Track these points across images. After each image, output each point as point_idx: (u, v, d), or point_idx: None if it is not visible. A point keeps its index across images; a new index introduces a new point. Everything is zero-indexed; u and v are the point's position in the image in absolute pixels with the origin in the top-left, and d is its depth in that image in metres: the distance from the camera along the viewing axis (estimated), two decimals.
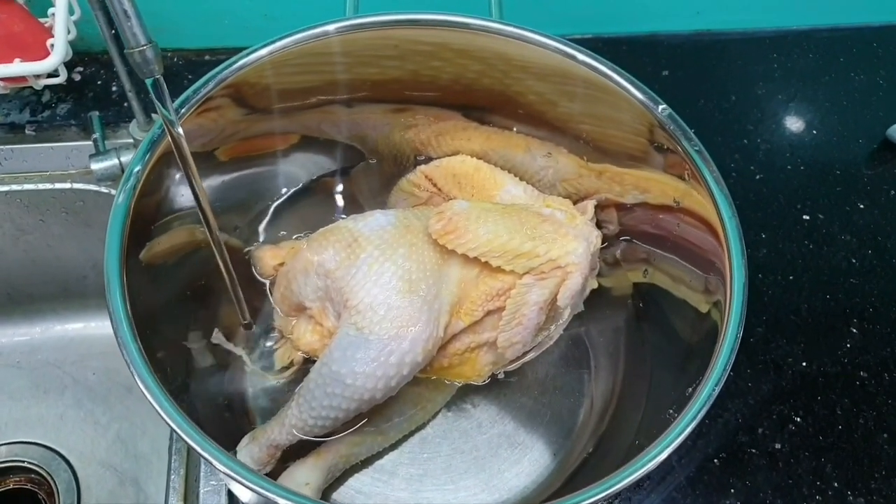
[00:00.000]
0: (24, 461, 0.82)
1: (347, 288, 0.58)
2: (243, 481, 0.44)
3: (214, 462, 0.45)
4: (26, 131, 0.80)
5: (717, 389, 0.48)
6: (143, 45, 0.45)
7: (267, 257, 0.67)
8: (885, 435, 0.68)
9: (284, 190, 0.76)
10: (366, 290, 0.58)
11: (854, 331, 0.74)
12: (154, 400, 0.47)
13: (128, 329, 0.49)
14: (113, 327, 0.49)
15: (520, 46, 0.63)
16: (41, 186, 0.77)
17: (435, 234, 0.60)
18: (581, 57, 0.61)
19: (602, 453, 0.64)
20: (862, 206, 0.82)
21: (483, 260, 0.59)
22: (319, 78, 0.67)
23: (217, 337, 0.65)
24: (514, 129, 0.71)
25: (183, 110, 0.57)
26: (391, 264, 0.59)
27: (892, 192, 0.83)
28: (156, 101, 0.49)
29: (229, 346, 0.65)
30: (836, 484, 0.65)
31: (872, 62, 0.94)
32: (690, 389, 0.50)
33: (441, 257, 0.60)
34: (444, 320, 0.59)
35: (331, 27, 0.61)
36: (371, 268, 0.58)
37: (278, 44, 0.60)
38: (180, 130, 0.51)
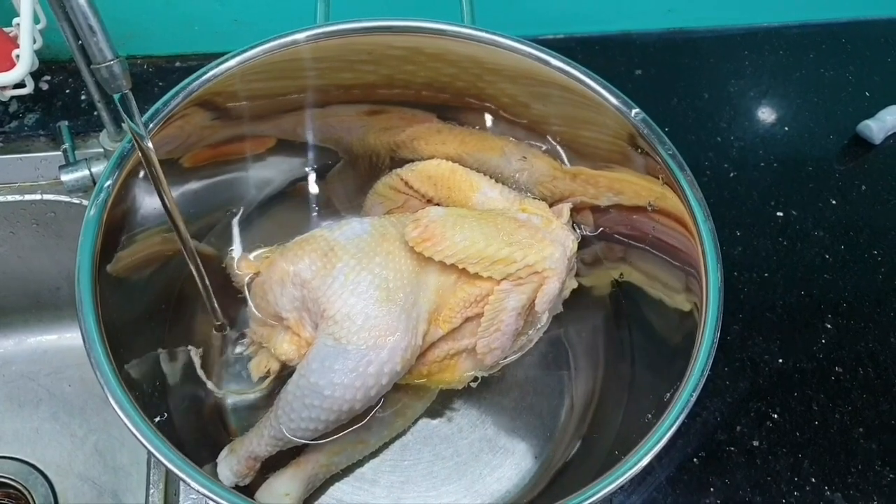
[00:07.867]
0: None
1: (324, 298, 0.58)
2: (221, 501, 0.44)
3: (192, 483, 0.45)
4: None
5: (695, 395, 0.48)
6: (109, 61, 0.45)
7: (242, 267, 0.67)
8: (861, 429, 0.69)
9: (258, 194, 0.75)
10: (343, 299, 0.57)
11: (829, 326, 0.74)
12: (129, 421, 0.47)
13: (101, 349, 0.49)
14: (86, 348, 0.48)
15: (493, 51, 0.63)
16: (10, 198, 0.76)
17: (412, 241, 0.59)
18: (554, 62, 0.61)
19: (584, 455, 0.64)
20: (834, 202, 0.83)
21: (460, 267, 0.59)
22: (292, 83, 0.67)
23: (195, 359, 0.65)
24: (489, 130, 0.71)
25: (152, 125, 0.56)
26: (368, 273, 0.58)
27: (863, 188, 0.84)
28: (124, 116, 0.48)
29: (204, 379, 0.65)
30: (813, 479, 0.66)
31: (841, 58, 0.95)
32: (668, 395, 0.50)
33: (418, 265, 0.60)
34: (422, 328, 0.59)
35: (301, 35, 0.61)
36: (348, 277, 0.58)
37: (248, 53, 0.60)
38: (150, 144, 0.51)
